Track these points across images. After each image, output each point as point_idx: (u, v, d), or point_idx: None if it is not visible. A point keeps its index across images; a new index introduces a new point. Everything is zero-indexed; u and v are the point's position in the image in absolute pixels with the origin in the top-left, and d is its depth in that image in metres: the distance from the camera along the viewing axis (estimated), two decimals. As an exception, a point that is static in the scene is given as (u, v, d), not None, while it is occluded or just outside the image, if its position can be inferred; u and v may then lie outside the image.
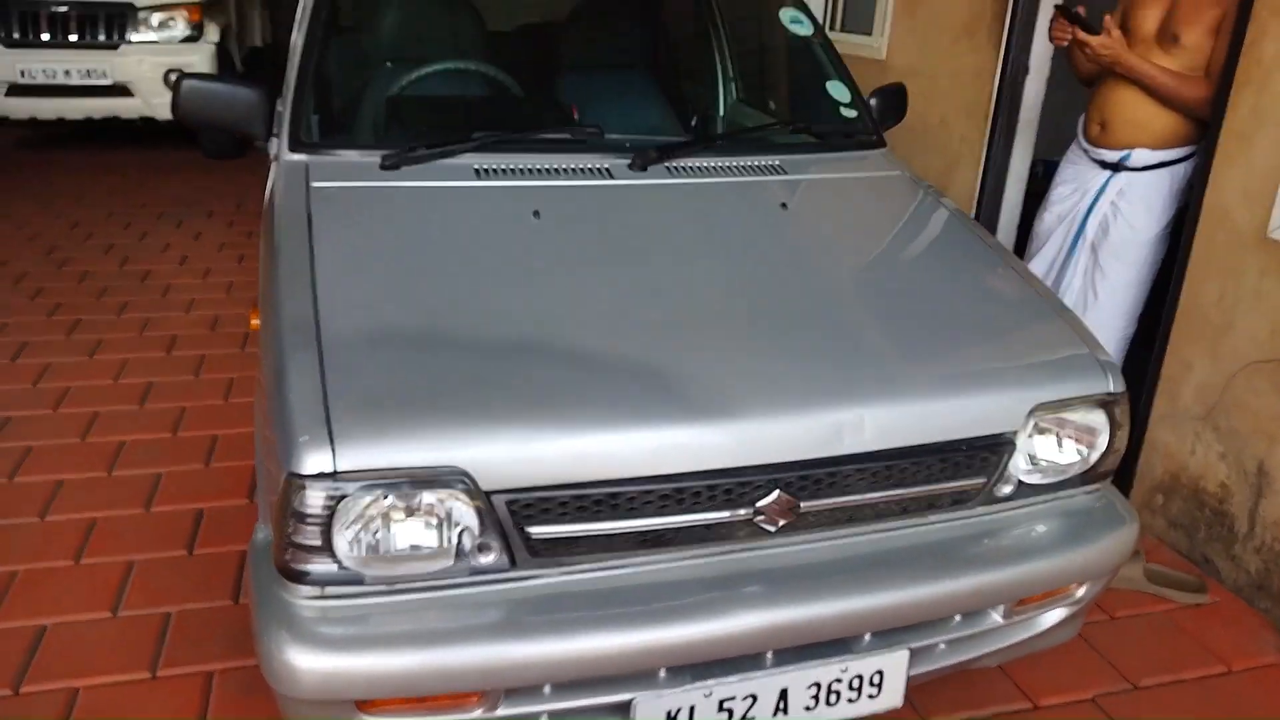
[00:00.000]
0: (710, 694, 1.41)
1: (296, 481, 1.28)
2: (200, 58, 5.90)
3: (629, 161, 2.09)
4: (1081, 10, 2.53)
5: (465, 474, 1.32)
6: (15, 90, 5.68)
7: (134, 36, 5.78)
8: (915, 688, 1.56)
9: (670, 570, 1.45)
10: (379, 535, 1.33)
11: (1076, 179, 2.71)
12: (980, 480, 1.57)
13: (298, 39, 2.29)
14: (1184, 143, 2.53)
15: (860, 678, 1.48)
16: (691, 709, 1.41)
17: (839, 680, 1.47)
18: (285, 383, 1.39)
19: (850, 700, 1.49)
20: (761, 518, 1.45)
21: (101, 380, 3.20)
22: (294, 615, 1.33)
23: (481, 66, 2.54)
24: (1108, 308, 2.64)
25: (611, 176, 2.05)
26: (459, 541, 1.35)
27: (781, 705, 1.45)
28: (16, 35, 5.62)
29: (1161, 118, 2.52)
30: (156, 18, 5.81)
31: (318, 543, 1.30)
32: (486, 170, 2.01)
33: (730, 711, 1.43)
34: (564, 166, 2.05)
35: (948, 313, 1.78)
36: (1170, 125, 2.52)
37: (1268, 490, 2.22)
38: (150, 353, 3.43)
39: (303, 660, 1.29)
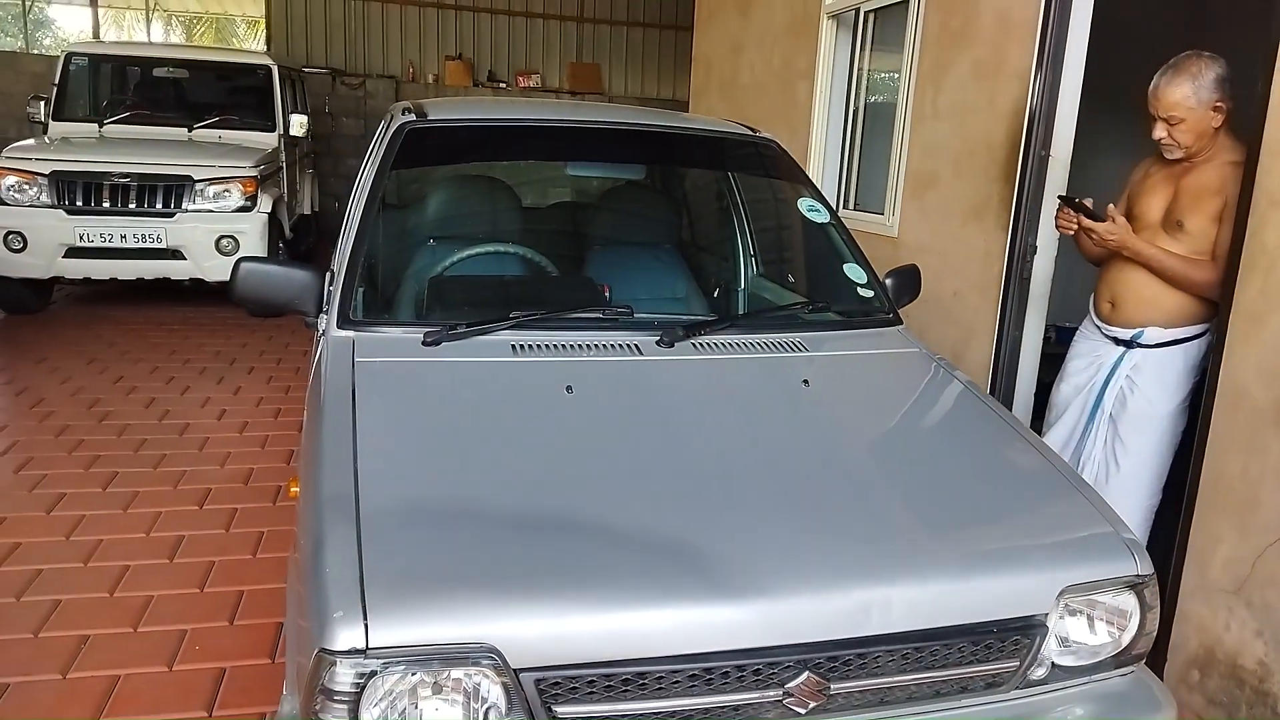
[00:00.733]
0: None
1: (328, 658, 1.30)
2: (252, 226, 6.20)
3: (657, 339, 2.18)
4: (1088, 202, 2.66)
5: (495, 650, 1.34)
6: (73, 252, 5.96)
7: (190, 205, 6.09)
8: None
9: (698, 755, 1.43)
10: (405, 713, 1.34)
11: (1091, 353, 2.77)
12: (1013, 663, 1.56)
13: (351, 224, 2.45)
14: (1195, 321, 2.59)
15: None
16: None
17: None
18: (322, 556, 1.42)
19: None
20: (791, 699, 1.44)
21: (134, 533, 3.25)
22: (318, 796, 1.32)
23: (519, 249, 2.70)
24: (1131, 479, 2.64)
25: (640, 353, 2.14)
26: (485, 719, 1.35)
27: None
28: (79, 203, 5.95)
29: (1171, 297, 2.58)
30: (213, 189, 6.15)
31: None
32: (523, 346, 2.11)
33: None
34: (596, 343, 2.15)
35: (970, 489, 1.82)
36: (1180, 304, 2.58)
37: (1309, 673, 2.16)
38: (184, 506, 3.49)
39: None
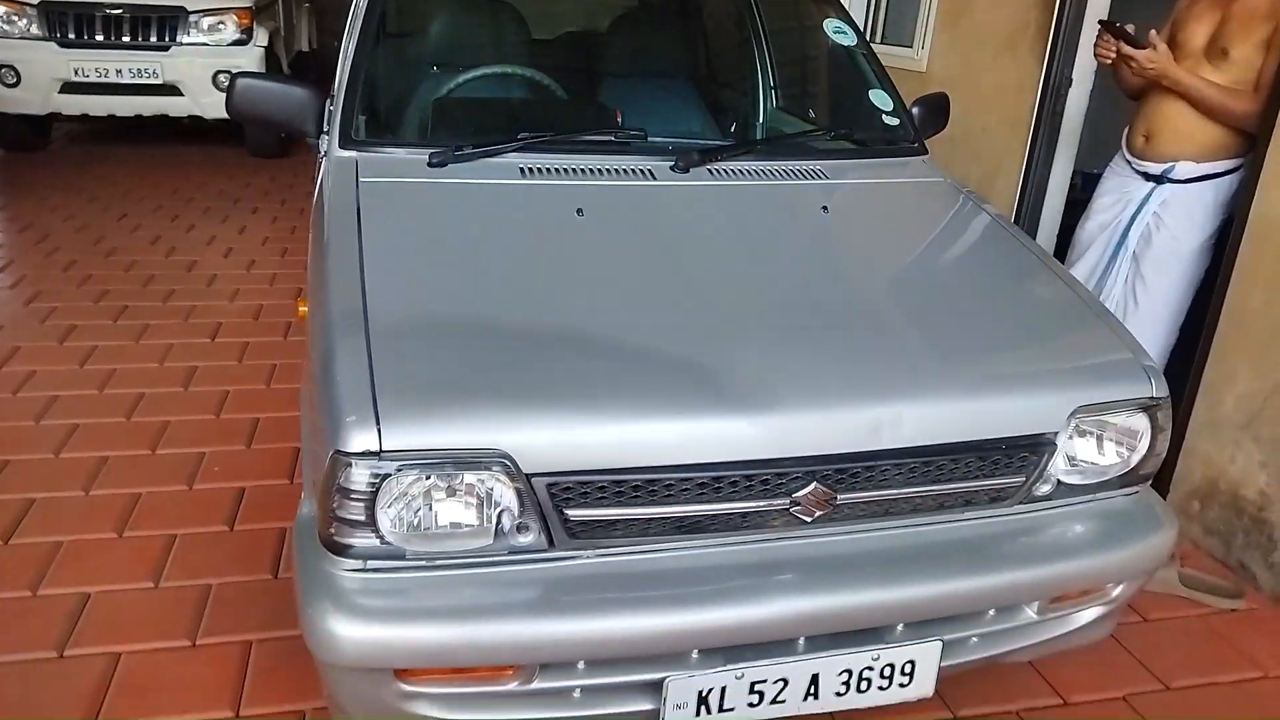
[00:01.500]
0: (742, 676, 1.43)
1: (343, 459, 1.32)
2: (248, 60, 6.01)
3: (672, 164, 2.11)
4: (1129, 28, 2.52)
5: (506, 456, 1.35)
6: (68, 87, 5.82)
7: (185, 38, 5.91)
8: (945, 679, 1.56)
9: (706, 556, 1.47)
10: (420, 513, 1.36)
11: (1119, 190, 2.70)
12: (1019, 479, 1.57)
13: (349, 42, 2.34)
14: (1229, 155, 2.51)
15: (892, 666, 1.49)
16: (723, 690, 1.43)
17: (870, 668, 1.48)
18: (333, 366, 1.42)
19: (881, 688, 1.50)
20: (798, 508, 1.46)
21: (147, 363, 3.28)
22: (337, 586, 1.36)
23: (527, 71, 2.59)
24: (1148, 317, 2.62)
25: (654, 178, 2.07)
26: (498, 521, 1.38)
27: (812, 690, 1.47)
28: (72, 35, 5.77)
29: (1207, 130, 2.50)
30: (207, 21, 5.94)
31: (361, 518, 1.34)
32: (531, 170, 2.04)
33: (761, 694, 1.45)
34: (608, 167, 2.08)
35: (990, 314, 1.79)
36: (1216, 137, 2.50)
37: (1309, 503, 2.19)
38: (195, 339, 3.51)
39: (344, 629, 1.32)
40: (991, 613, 1.59)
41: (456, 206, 1.95)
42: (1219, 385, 2.42)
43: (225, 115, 2.36)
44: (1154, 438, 1.63)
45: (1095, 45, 2.66)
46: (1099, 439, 1.62)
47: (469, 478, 1.36)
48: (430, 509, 1.37)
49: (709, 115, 2.92)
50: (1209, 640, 2.14)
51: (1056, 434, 1.57)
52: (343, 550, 1.36)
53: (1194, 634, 2.16)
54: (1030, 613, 1.62)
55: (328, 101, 2.23)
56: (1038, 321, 1.81)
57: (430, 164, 2.03)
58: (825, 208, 2.09)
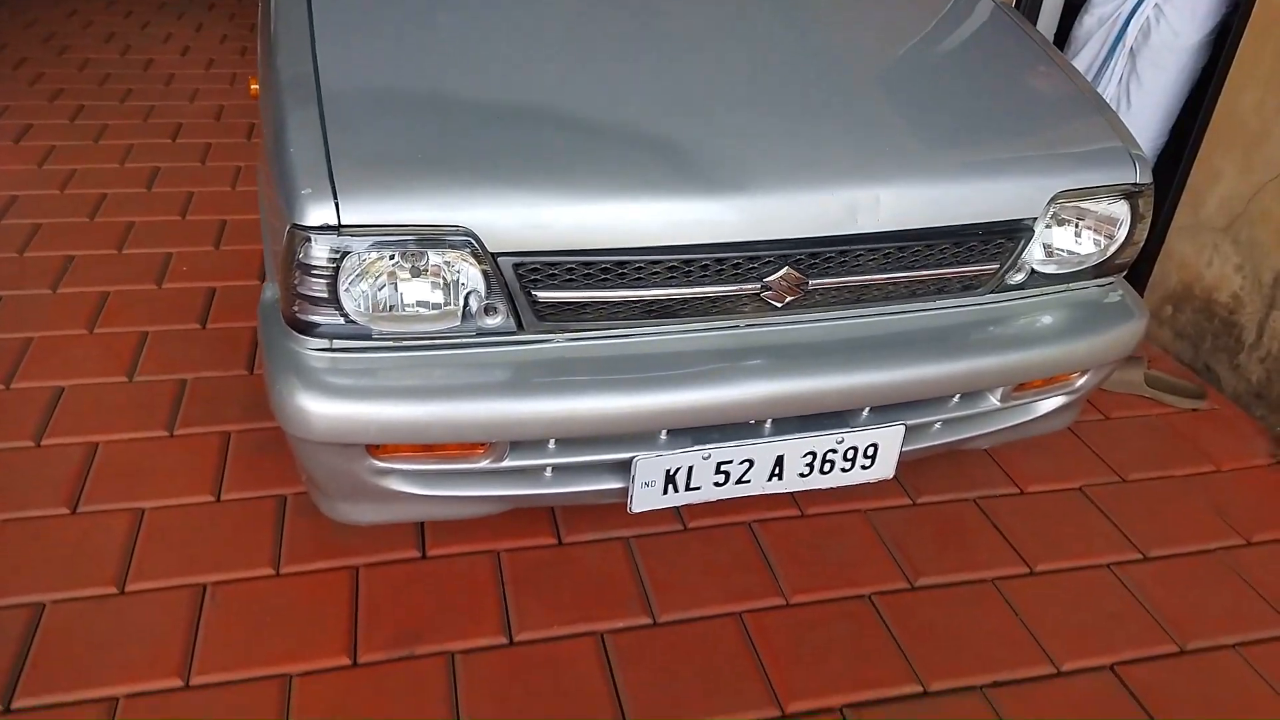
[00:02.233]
0: (709, 456, 1.46)
1: (300, 234, 1.27)
2: None
3: None
4: None
5: (472, 235, 1.31)
6: None
7: None
8: (905, 467, 1.60)
9: (675, 340, 1.46)
10: (385, 292, 1.33)
11: (1122, -21, 2.56)
12: (993, 266, 1.55)
13: None
14: (1241, -59, 2.37)
15: (855, 449, 1.52)
16: (690, 469, 1.46)
17: (834, 450, 1.51)
18: (285, 138, 1.36)
19: (844, 470, 1.54)
20: (769, 293, 1.45)
21: (108, 164, 3.16)
22: (303, 364, 1.35)
23: None
24: (1141, 115, 2.55)
25: None
26: (466, 302, 1.36)
27: (777, 471, 1.50)
28: None
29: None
30: None
31: (324, 295, 1.31)
32: None
33: (727, 474, 1.48)
34: None
35: (982, 101, 1.72)
36: (1228, -79, 2.35)
37: (1280, 303, 2.21)
38: (156, 139, 3.37)
39: (312, 405, 1.32)
40: (955, 399, 1.61)
41: None
42: (1203, 187, 2.38)
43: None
44: (1133, 226, 1.61)
45: None
46: (1077, 227, 1.59)
47: (434, 257, 1.33)
48: (395, 289, 1.34)
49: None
50: (1168, 438, 2.20)
51: (1035, 220, 1.54)
52: (307, 329, 1.34)
53: (1154, 432, 2.22)
54: (993, 400, 1.64)
55: None
56: (1029, 108, 1.74)
57: None
58: (814, -14, 1.96)
